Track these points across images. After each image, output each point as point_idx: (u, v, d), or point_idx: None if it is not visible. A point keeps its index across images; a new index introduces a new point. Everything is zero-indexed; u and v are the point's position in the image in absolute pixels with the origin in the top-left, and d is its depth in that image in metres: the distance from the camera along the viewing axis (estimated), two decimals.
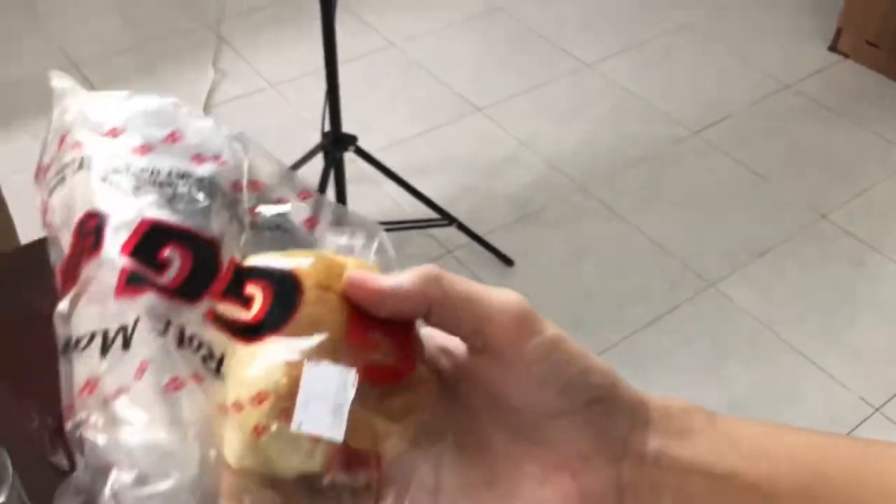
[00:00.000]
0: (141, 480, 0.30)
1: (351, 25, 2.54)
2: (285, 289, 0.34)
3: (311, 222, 0.38)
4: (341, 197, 1.73)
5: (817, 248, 1.96)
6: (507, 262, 1.87)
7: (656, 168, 2.16)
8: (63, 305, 0.34)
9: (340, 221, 0.38)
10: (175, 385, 0.32)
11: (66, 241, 0.36)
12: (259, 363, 0.32)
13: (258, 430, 0.31)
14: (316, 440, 0.31)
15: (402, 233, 1.90)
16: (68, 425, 0.32)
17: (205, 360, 0.33)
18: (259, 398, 0.31)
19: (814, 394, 1.67)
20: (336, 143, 1.64)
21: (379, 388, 0.32)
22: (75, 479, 0.31)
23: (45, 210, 0.38)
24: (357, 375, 0.32)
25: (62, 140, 0.38)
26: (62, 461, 0.59)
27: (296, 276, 0.34)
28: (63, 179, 0.37)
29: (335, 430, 0.31)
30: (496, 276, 1.85)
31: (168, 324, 0.33)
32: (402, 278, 0.33)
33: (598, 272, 1.88)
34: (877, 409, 1.65)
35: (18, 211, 1.30)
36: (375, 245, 0.38)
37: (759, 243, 1.96)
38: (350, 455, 0.32)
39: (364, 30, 2.56)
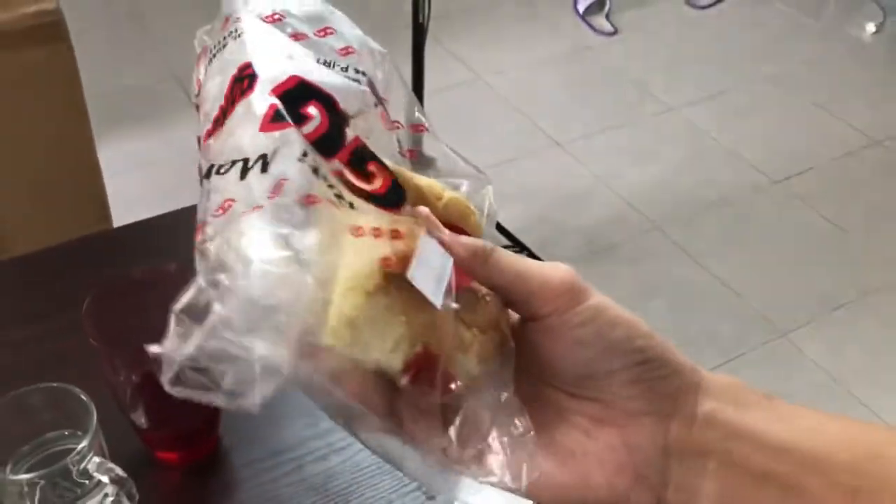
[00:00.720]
0: (254, 298, 0.30)
1: (441, 57, 2.61)
2: (396, 183, 0.36)
3: (412, 154, 0.41)
4: None
5: None
6: None
7: (734, 214, 2.15)
8: (210, 141, 0.37)
9: (447, 167, 0.40)
10: (311, 200, 0.33)
11: (218, 100, 0.38)
12: (393, 215, 0.34)
13: (386, 262, 0.32)
14: (404, 332, 0.32)
15: None
16: (198, 239, 0.33)
17: (338, 197, 0.34)
18: (396, 234, 0.33)
19: None
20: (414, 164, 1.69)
21: (462, 299, 0.34)
22: (193, 292, 0.32)
23: (199, 85, 0.41)
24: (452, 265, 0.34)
25: (226, 20, 0.41)
26: (140, 418, 0.64)
27: (400, 179, 0.37)
28: (224, 46, 0.40)
29: (436, 297, 0.32)
30: None
31: (305, 154, 0.35)
32: (454, 242, 0.35)
33: (667, 312, 1.87)
34: None
35: (114, 204, 1.37)
36: (479, 195, 0.40)
37: (835, 297, 1.92)
38: (427, 362, 0.33)
39: (453, 62, 2.63)
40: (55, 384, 0.58)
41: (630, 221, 2.10)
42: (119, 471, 0.57)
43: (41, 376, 0.59)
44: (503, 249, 0.36)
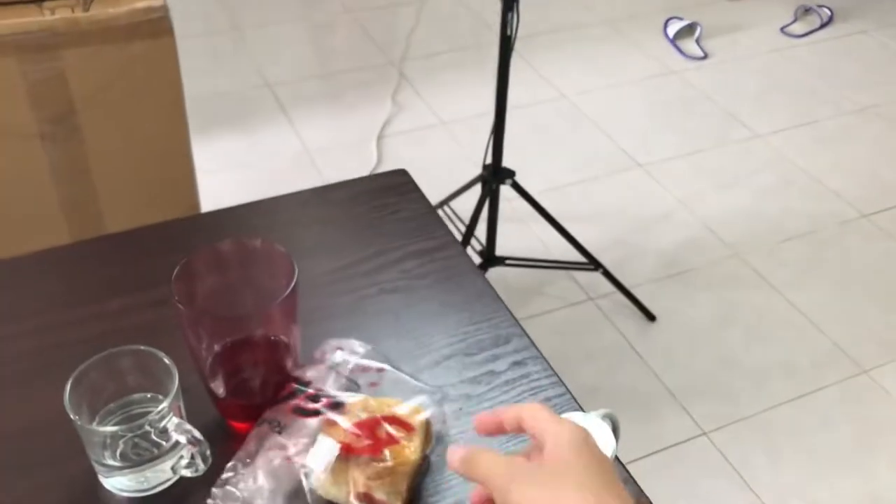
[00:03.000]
0: None
1: (527, 76, 2.63)
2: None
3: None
4: (492, 230, 1.79)
5: None
6: (650, 316, 1.86)
7: (818, 245, 2.09)
8: None
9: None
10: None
11: None
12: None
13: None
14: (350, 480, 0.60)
15: (545, 272, 1.93)
16: None
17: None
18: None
19: None
20: (494, 175, 1.71)
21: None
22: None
23: None
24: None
25: None
26: (219, 387, 0.67)
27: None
28: None
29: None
30: (636, 330, 1.84)
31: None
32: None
33: (743, 340, 1.83)
34: None
35: (203, 201, 1.43)
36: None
37: None
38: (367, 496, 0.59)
39: (539, 81, 2.65)
40: (142, 347, 0.62)
41: (709, 246, 2.07)
42: (196, 433, 0.60)
43: (133, 344, 0.63)
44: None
